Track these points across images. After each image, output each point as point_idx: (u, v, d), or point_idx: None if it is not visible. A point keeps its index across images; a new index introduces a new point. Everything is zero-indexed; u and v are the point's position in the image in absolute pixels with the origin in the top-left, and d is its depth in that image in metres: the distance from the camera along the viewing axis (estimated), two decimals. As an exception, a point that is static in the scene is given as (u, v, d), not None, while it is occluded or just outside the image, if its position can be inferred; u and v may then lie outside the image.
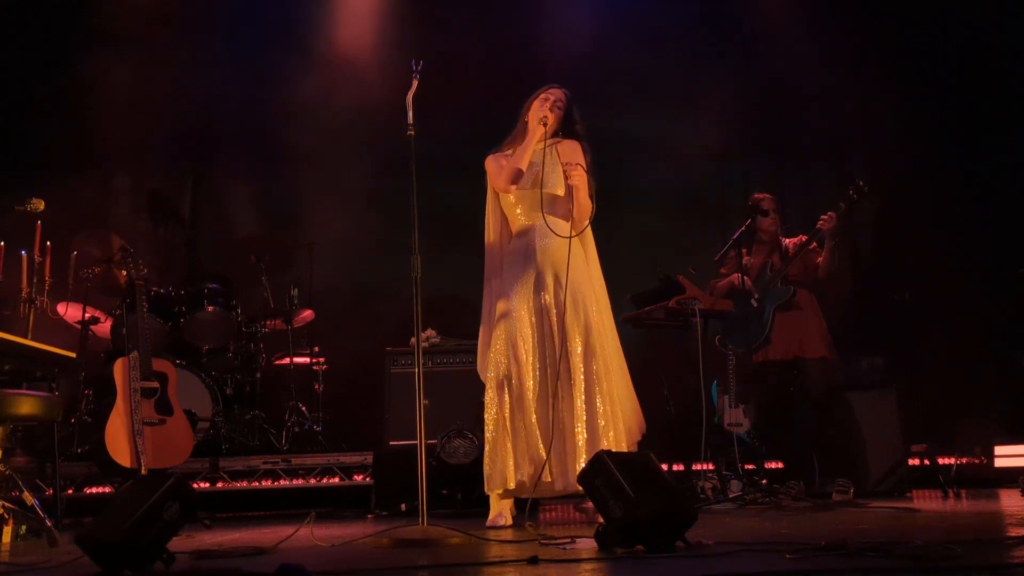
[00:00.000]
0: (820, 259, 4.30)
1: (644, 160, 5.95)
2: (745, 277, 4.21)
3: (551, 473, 3.06)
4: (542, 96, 3.32)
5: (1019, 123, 5.44)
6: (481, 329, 3.31)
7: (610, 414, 3.12)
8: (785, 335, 4.24)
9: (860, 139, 5.90)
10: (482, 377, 3.25)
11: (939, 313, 5.30)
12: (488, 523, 3.12)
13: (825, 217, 4.19)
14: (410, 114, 2.97)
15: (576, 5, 6.05)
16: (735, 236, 4.37)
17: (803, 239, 4.37)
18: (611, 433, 3.09)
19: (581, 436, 3.07)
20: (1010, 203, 5.47)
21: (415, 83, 3.00)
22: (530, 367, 3.12)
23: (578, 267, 3.19)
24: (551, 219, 3.20)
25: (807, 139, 5.99)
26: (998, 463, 4.96)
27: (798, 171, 6.00)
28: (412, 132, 2.96)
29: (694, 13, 5.96)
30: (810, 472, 4.15)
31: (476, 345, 3.38)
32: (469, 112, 5.60)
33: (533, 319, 3.16)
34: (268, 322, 5.05)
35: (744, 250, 4.33)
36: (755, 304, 4.25)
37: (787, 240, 4.47)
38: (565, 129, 3.36)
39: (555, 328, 3.13)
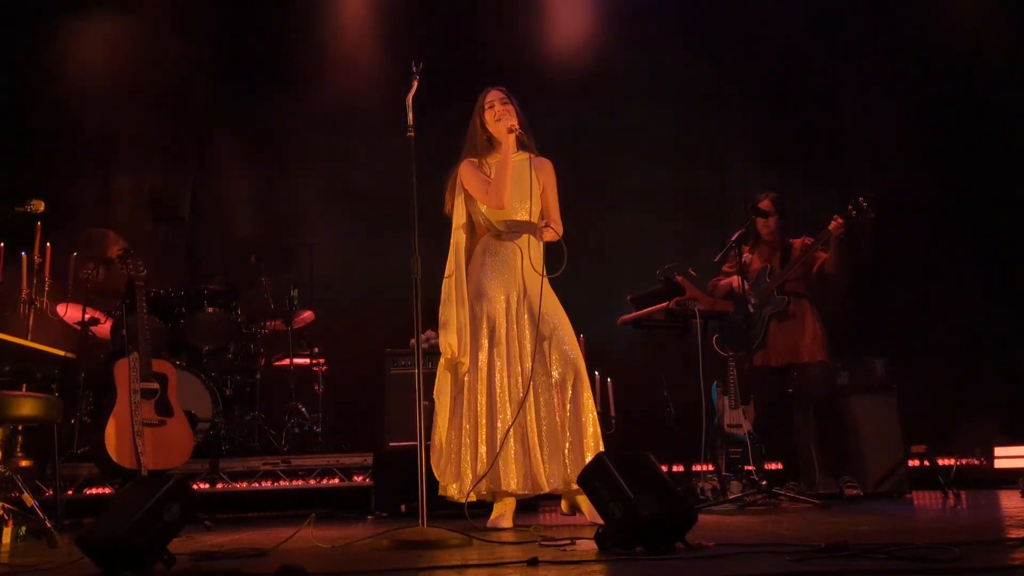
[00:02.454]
0: (827, 255, 4.17)
1: (643, 160, 5.96)
2: (744, 281, 4.20)
3: (545, 475, 3.11)
4: (487, 103, 3.31)
5: (1020, 123, 5.44)
6: (457, 310, 3.27)
7: (589, 410, 3.18)
8: (781, 342, 4.22)
9: (860, 138, 5.90)
10: (452, 352, 3.24)
11: (939, 314, 5.31)
12: (488, 524, 3.14)
13: (836, 223, 4.06)
14: (410, 115, 2.97)
15: (576, 3, 6.06)
16: (734, 237, 4.37)
17: (808, 242, 4.33)
18: (590, 428, 3.14)
19: (568, 436, 3.13)
20: (1011, 204, 5.47)
21: (415, 84, 3.01)
22: (509, 374, 3.18)
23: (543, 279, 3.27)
24: (526, 235, 3.28)
25: (807, 139, 5.99)
26: (998, 464, 4.96)
27: (798, 171, 6.00)
28: (412, 133, 2.97)
29: (695, 12, 5.96)
30: (810, 474, 4.15)
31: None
32: (469, 112, 5.59)
33: (514, 324, 3.22)
34: (268, 323, 5.04)
35: (746, 248, 4.33)
36: (751, 309, 4.23)
37: (794, 241, 4.40)
38: (521, 133, 3.34)
39: (534, 335, 3.19)
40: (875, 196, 4.03)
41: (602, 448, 3.12)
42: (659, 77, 5.98)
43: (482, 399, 3.19)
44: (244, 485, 4.38)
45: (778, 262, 4.35)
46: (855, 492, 3.99)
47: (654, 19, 5.94)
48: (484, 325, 3.24)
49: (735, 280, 4.30)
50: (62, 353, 3.26)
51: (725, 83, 6.06)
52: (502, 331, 3.21)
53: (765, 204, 4.38)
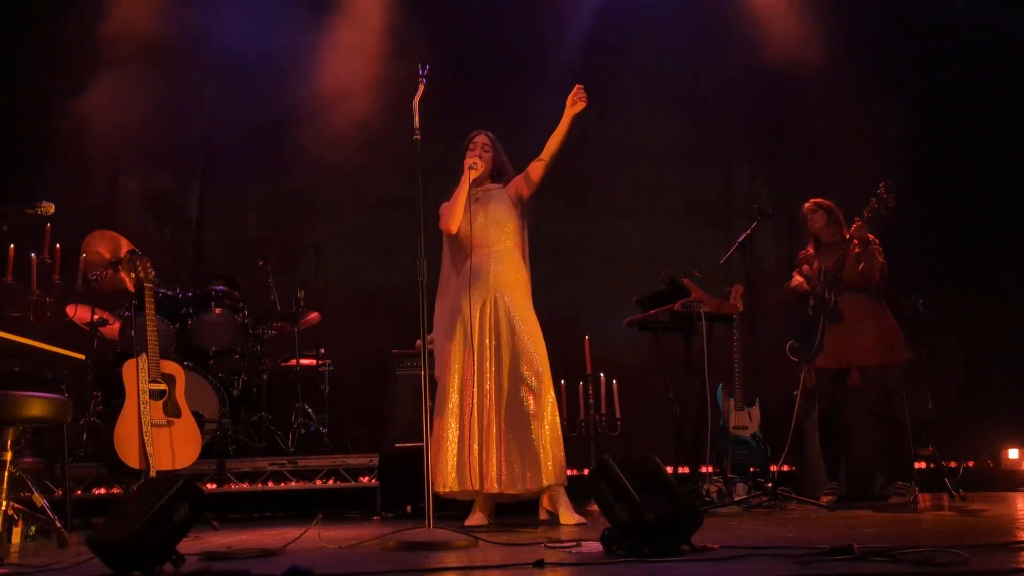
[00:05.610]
0: (860, 266, 4.02)
1: (648, 161, 5.95)
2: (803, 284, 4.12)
3: (510, 479, 3.30)
4: (470, 145, 3.62)
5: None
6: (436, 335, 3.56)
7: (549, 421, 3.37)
8: (836, 344, 3.99)
9: (867, 141, 5.88)
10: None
11: (947, 317, 5.29)
12: (466, 523, 3.32)
13: (855, 226, 3.96)
14: (416, 118, 3.00)
15: (578, 4, 6.06)
16: (740, 239, 4.37)
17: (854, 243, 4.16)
18: (544, 436, 3.33)
19: (532, 439, 3.31)
20: (1019, 207, 5.46)
21: (421, 87, 3.03)
22: (480, 382, 3.38)
23: (519, 289, 3.50)
24: (497, 248, 3.52)
25: (814, 140, 5.98)
26: (1005, 466, 4.96)
27: (804, 173, 5.99)
28: (418, 136, 2.98)
29: (699, 13, 5.96)
30: (835, 476, 4.07)
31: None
32: (474, 114, 5.61)
33: (479, 336, 3.42)
34: (275, 324, 5.06)
35: (811, 249, 4.22)
36: (811, 313, 4.08)
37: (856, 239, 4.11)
38: (497, 170, 3.63)
39: (499, 345, 3.41)
40: (893, 182, 3.91)
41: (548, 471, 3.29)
42: (664, 79, 5.98)
43: (466, 407, 3.43)
44: (251, 485, 4.40)
45: (831, 265, 4.12)
46: (901, 500, 3.87)
47: (659, 21, 5.93)
48: (460, 344, 3.49)
49: (796, 278, 4.18)
50: (71, 354, 3.28)
51: (731, 84, 6.04)
52: (471, 347, 3.45)
53: (807, 206, 4.21)
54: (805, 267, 4.22)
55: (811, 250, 4.27)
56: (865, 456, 4.17)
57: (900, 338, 4.00)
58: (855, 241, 3.94)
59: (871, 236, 4.01)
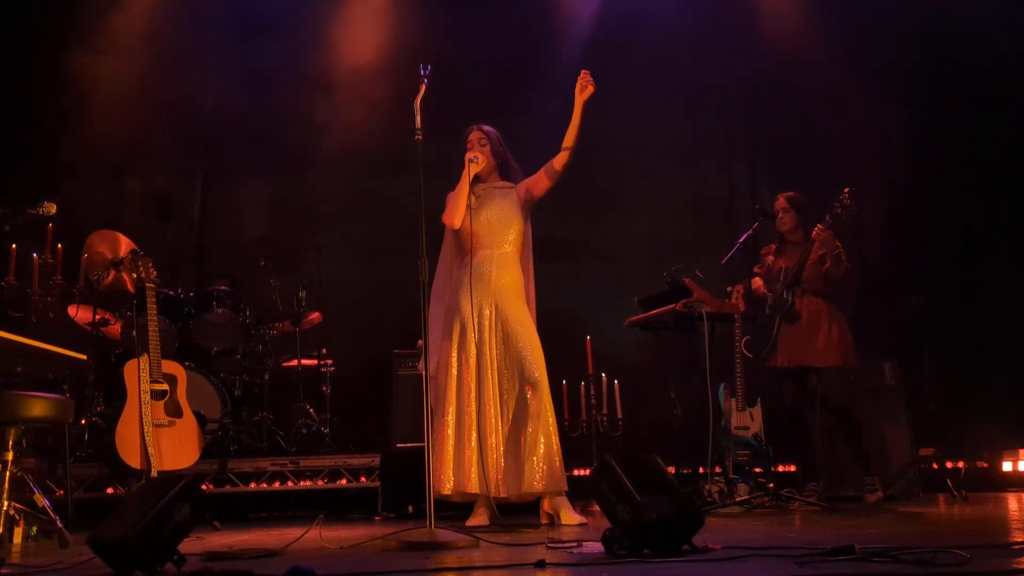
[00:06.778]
0: (826, 267, 4.06)
1: (649, 162, 5.95)
2: (760, 282, 4.15)
3: (507, 481, 3.30)
4: (468, 141, 3.57)
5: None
6: (432, 334, 3.48)
7: (547, 422, 3.35)
8: (791, 344, 4.07)
9: (868, 141, 5.88)
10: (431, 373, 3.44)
11: (948, 317, 5.29)
12: (466, 524, 3.30)
13: (817, 229, 3.98)
14: (418, 118, 2.99)
15: (580, 4, 6.06)
16: (741, 239, 4.36)
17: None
18: (541, 438, 3.31)
19: (530, 442, 3.30)
20: (1020, 206, 5.45)
21: (423, 87, 3.03)
22: (480, 384, 3.36)
23: (516, 295, 3.46)
24: (499, 251, 3.48)
25: (815, 141, 5.97)
26: (1006, 467, 4.95)
27: (806, 173, 5.98)
28: (420, 136, 2.98)
29: (701, 13, 5.95)
30: (814, 477, 4.10)
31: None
32: (478, 114, 5.60)
33: (477, 338, 3.40)
34: (276, 324, 5.06)
35: (773, 247, 4.25)
36: (768, 311, 4.14)
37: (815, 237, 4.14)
38: (501, 166, 3.58)
39: (497, 347, 3.40)
40: (857, 189, 3.93)
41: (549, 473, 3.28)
42: (665, 79, 5.98)
43: (467, 412, 3.39)
44: (252, 486, 4.40)
45: (792, 265, 4.16)
46: (876, 497, 3.93)
47: (660, 21, 5.93)
48: (460, 345, 3.45)
49: (756, 281, 4.24)
50: (73, 354, 3.28)
51: (732, 85, 6.04)
52: (472, 350, 3.42)
53: (780, 203, 4.26)
54: (767, 259, 4.23)
55: (773, 246, 4.30)
56: (825, 457, 4.18)
57: (851, 344, 4.09)
58: (817, 244, 3.96)
59: (837, 243, 4.03)
